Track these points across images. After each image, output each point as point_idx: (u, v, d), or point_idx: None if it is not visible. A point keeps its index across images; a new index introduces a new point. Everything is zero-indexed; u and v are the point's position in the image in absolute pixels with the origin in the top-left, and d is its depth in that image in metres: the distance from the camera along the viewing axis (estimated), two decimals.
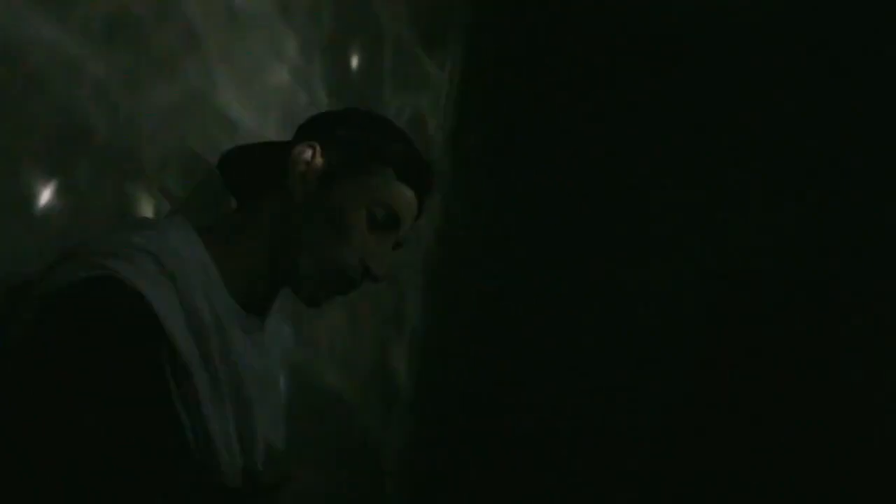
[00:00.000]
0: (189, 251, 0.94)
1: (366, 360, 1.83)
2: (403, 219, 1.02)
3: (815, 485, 2.38)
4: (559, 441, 2.58)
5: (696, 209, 2.59)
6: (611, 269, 2.62)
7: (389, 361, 1.98)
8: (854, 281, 2.37)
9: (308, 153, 1.01)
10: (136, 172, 1.13)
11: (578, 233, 2.68)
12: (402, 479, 2.17)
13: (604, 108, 2.70)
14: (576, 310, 2.63)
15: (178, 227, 0.96)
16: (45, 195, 1.01)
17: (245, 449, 0.96)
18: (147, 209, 1.14)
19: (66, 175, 1.03)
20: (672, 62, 2.67)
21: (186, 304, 0.89)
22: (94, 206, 1.06)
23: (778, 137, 2.57)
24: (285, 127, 1.33)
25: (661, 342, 2.57)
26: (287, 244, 0.99)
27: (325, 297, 1.01)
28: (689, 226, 2.61)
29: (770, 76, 2.62)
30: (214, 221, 1.04)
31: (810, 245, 2.48)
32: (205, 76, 1.25)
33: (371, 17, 1.74)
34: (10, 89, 0.96)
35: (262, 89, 1.38)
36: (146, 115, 1.14)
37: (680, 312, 2.60)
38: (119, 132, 1.10)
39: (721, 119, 2.63)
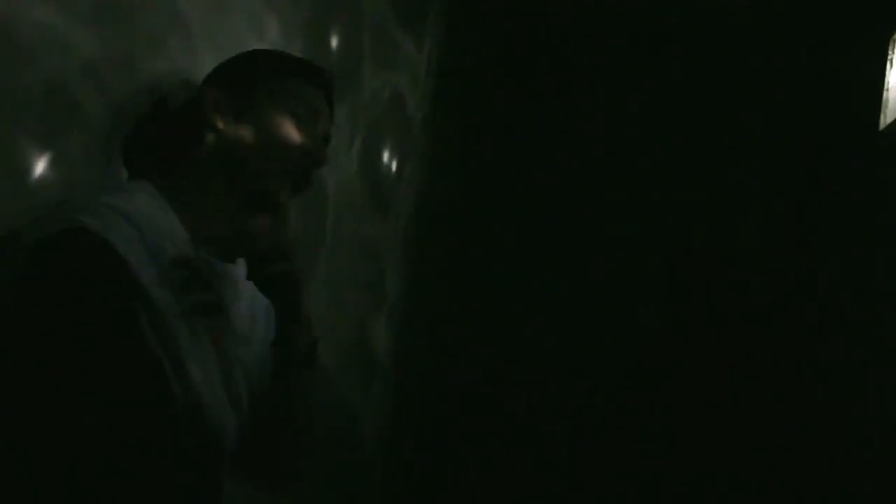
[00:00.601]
0: (155, 209, 1.06)
1: (346, 334, 1.95)
2: (319, 111, 1.18)
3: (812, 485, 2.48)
4: (527, 405, 2.72)
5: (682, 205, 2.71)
6: (580, 246, 2.75)
7: (368, 336, 2.09)
8: (848, 280, 2.49)
9: (213, 92, 1.16)
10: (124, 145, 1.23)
11: (552, 211, 2.80)
12: (383, 448, 2.28)
13: (583, 92, 2.82)
14: (547, 284, 2.76)
15: (143, 190, 1.09)
16: (40, 167, 1.11)
17: (229, 387, 1.07)
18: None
19: (59, 148, 1.14)
20: (652, 51, 2.80)
21: (158, 258, 1.00)
22: (85, 177, 1.17)
23: (777, 137, 2.69)
24: None
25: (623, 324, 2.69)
26: (238, 172, 1.12)
27: (287, 197, 1.16)
28: (684, 221, 2.72)
29: (768, 75, 2.74)
30: (166, 178, 1.15)
31: (806, 244, 2.59)
32: (190, 55, 1.36)
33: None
34: (4, 66, 1.06)
35: None
36: (134, 92, 1.24)
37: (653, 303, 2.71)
38: (108, 107, 1.20)
39: (717, 118, 2.75)
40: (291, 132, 1.15)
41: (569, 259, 2.78)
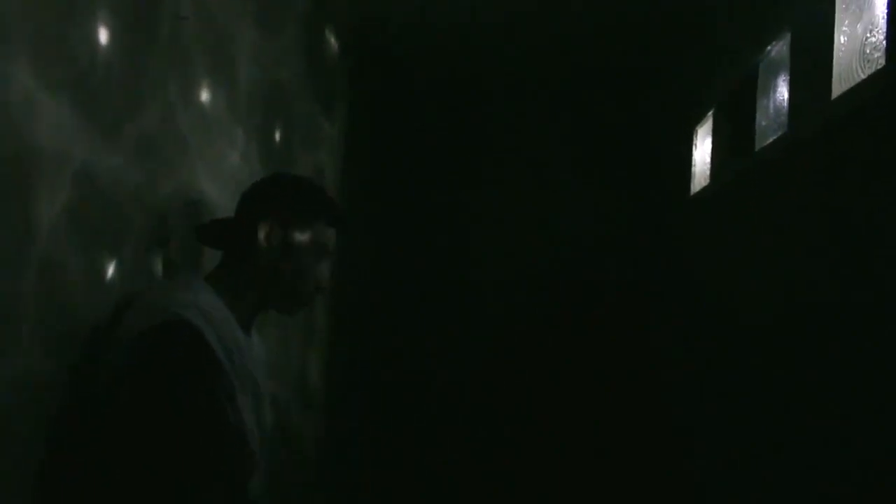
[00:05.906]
0: (211, 301, 1.53)
1: (291, 365, 2.49)
2: (331, 251, 1.66)
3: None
4: (442, 417, 3.37)
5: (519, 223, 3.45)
6: (466, 276, 3.44)
7: (306, 367, 2.64)
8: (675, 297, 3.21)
9: (266, 229, 1.60)
10: (157, 246, 1.73)
11: (442, 250, 3.48)
12: (320, 464, 2.82)
13: (451, 143, 3.53)
14: (443, 310, 3.42)
15: (203, 289, 1.55)
16: (110, 271, 1.59)
17: (260, 420, 1.57)
18: (168, 272, 1.74)
19: (121, 256, 1.61)
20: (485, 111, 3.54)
21: (219, 335, 1.47)
22: (137, 275, 1.65)
23: (623, 202, 3.45)
24: (235, 196, 1.88)
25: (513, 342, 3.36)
26: (273, 285, 1.61)
27: (299, 309, 1.64)
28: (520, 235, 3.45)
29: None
30: (216, 275, 1.61)
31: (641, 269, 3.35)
32: (191, 170, 1.86)
33: (285, 101, 2.39)
34: (91, 204, 1.52)
35: (223, 171, 2.01)
36: (162, 205, 1.74)
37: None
38: (148, 220, 1.69)
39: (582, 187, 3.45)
40: (314, 269, 1.61)
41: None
